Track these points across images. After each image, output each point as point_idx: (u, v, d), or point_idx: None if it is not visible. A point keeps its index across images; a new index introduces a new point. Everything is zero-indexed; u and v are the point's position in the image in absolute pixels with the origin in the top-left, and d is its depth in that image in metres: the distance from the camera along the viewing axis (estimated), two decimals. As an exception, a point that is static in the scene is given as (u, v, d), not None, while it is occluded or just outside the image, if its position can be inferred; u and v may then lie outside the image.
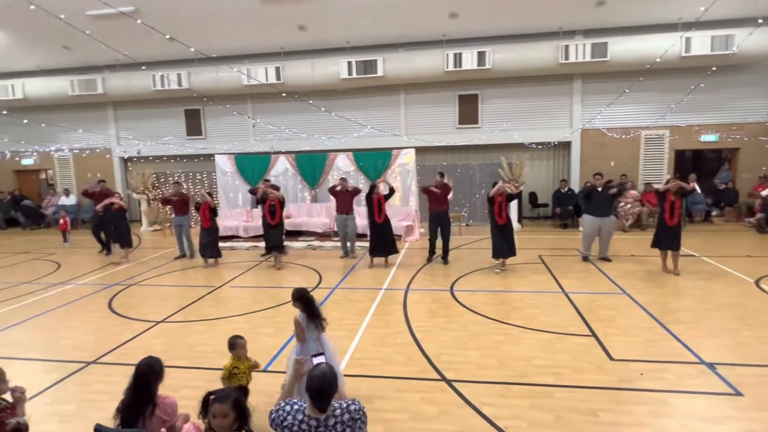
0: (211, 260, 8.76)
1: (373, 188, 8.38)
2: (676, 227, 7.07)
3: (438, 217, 8.38)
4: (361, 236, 9.86)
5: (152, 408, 2.58)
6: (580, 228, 9.12)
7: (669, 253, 7.22)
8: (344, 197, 9.04)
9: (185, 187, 12.72)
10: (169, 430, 2.68)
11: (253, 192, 9.64)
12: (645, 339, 4.73)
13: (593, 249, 8.36)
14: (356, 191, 9.18)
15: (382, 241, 8.25)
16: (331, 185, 9.72)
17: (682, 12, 10.60)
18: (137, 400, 2.56)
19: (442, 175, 8.63)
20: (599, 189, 8.05)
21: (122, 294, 7.05)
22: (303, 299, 3.54)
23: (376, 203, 8.25)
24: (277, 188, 9.61)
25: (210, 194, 8.86)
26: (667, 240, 7.13)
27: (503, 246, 7.63)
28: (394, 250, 8.36)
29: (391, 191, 8.55)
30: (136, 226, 14.19)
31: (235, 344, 3.40)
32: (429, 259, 8.55)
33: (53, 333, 5.48)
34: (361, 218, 9.90)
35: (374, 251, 8.33)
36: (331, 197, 9.71)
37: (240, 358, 3.38)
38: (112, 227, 9.53)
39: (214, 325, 5.58)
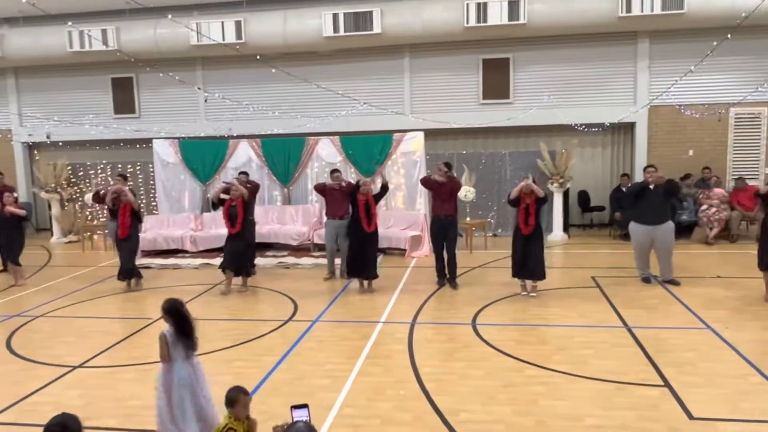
0: (132, 282, 8.86)
1: (358, 186, 8.40)
2: None
3: (443, 224, 8.34)
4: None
5: (66, 484, 2.56)
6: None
7: None
8: (337, 196, 8.93)
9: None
10: None
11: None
12: (737, 390, 4.73)
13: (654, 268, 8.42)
14: (352, 188, 9.06)
15: (360, 257, 8.24)
16: (318, 182, 9.70)
17: (785, -52, 10.68)
18: (46, 473, 2.55)
19: (448, 165, 8.60)
20: (651, 187, 8.06)
21: (25, 329, 7.01)
22: (176, 314, 3.91)
23: (362, 205, 8.23)
24: (255, 186, 9.53)
25: (132, 191, 8.88)
26: None
27: (525, 263, 7.70)
28: (373, 274, 8.34)
29: (384, 188, 8.53)
30: (45, 236, 14.17)
31: (237, 400, 3.27)
32: (440, 283, 8.57)
33: (-70, 382, 5.45)
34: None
35: (349, 268, 8.38)
36: (318, 196, 9.74)
37: (239, 419, 3.30)
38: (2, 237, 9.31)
39: (149, 371, 5.55)
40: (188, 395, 3.81)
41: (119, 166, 14.33)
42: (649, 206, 8.09)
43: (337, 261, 9.27)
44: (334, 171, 9.35)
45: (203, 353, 5.92)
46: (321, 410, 4.54)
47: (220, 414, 3.49)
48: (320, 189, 9.22)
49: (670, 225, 8.21)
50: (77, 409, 3.09)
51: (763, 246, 7.26)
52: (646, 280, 8.32)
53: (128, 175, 12.91)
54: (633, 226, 8.33)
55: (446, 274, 8.56)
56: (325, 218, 9.47)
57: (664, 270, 8.26)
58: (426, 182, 8.60)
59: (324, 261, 9.55)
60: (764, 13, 10.43)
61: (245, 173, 10.30)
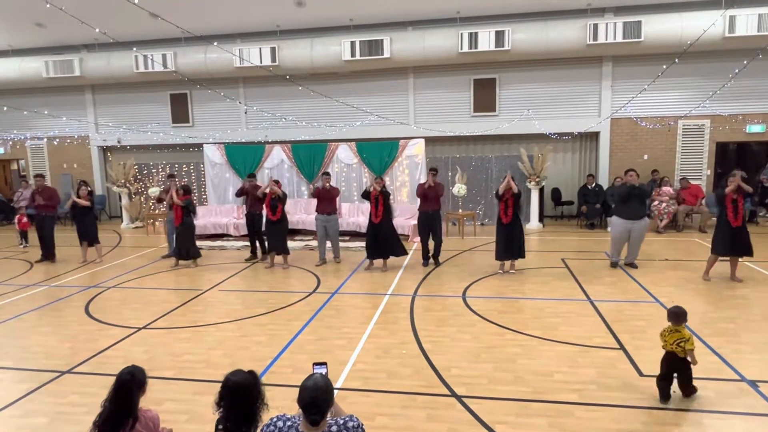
0: (185, 261, 8.85)
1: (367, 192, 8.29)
2: (741, 228, 6.87)
3: (427, 218, 8.49)
4: (359, 235, 9.87)
5: (133, 422, 2.60)
6: (609, 229, 9.03)
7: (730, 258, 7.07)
8: (324, 196, 8.80)
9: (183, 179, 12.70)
10: (151, 446, 2.70)
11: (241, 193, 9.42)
12: (679, 353, 4.71)
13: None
14: (337, 191, 8.98)
15: (373, 243, 8.22)
16: (316, 187, 9.35)
17: (726, -13, 10.51)
18: (117, 413, 2.58)
19: (434, 171, 8.76)
20: (637, 187, 7.77)
21: (100, 297, 7.11)
22: None
23: (373, 199, 8.14)
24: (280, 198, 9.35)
25: (186, 188, 8.84)
26: (733, 244, 6.93)
27: (507, 247, 7.70)
28: (396, 253, 8.27)
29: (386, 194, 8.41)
30: (116, 222, 14.32)
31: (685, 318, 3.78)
32: (425, 263, 8.59)
33: (24, 339, 5.54)
34: (364, 216, 9.91)
35: (369, 252, 8.33)
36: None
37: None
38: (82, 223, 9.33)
39: (201, 332, 5.62)
40: None
41: (176, 165, 14.43)
42: (632, 204, 7.80)
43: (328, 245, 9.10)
44: (325, 173, 9.16)
45: (246, 317, 6.01)
46: (338, 365, 4.58)
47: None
48: (315, 194, 8.99)
49: (646, 220, 7.97)
50: (142, 362, 3.13)
51: (715, 234, 7.14)
52: (614, 264, 8.13)
53: (175, 173, 12.98)
54: (615, 220, 7.96)
55: (429, 256, 8.63)
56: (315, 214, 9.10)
57: (632, 255, 8.05)
58: (420, 191, 8.65)
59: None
60: (705, 42, 10.31)
61: (278, 181, 9.94)
